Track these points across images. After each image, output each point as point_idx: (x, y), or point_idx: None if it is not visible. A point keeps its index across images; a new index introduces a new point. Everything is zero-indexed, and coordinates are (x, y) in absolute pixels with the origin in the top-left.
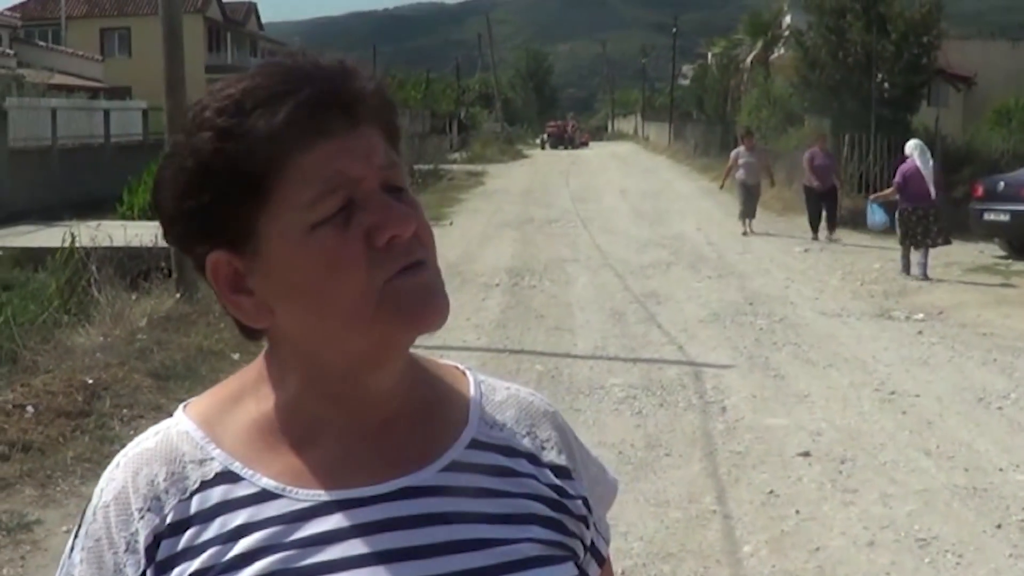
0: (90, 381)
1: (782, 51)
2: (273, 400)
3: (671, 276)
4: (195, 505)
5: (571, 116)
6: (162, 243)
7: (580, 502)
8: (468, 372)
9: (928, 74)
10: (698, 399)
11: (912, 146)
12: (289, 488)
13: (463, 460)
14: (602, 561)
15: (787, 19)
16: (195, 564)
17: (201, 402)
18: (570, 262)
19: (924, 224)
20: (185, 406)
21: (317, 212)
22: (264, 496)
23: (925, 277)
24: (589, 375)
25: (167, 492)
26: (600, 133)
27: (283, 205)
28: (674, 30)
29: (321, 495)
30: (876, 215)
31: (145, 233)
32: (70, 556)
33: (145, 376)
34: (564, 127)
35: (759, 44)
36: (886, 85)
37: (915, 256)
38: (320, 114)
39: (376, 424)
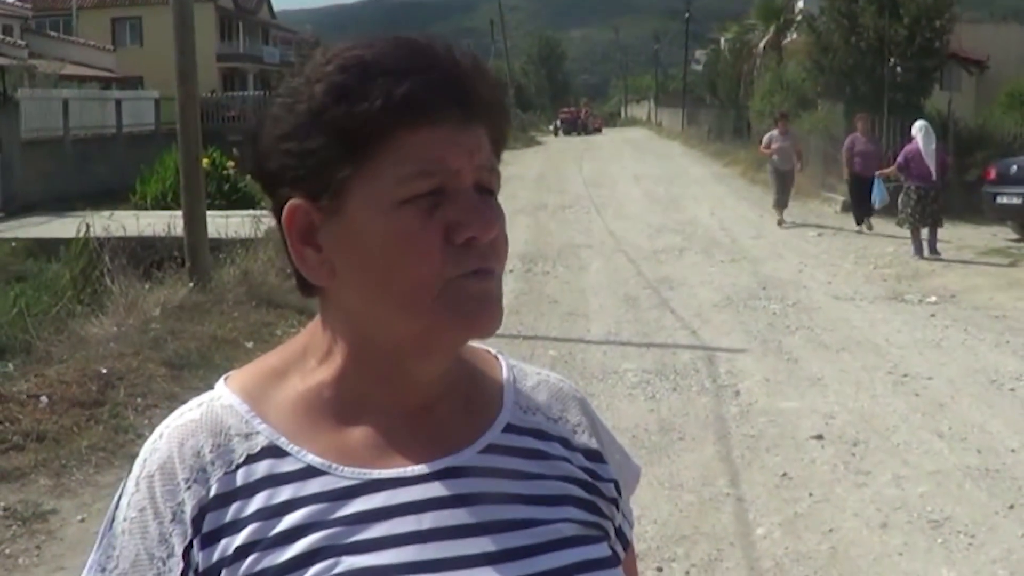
0: (104, 371)
1: (794, 36)
2: (319, 376)
3: (684, 261)
4: (240, 478)
5: (584, 102)
6: (175, 232)
7: (612, 485)
8: (500, 356)
9: (940, 58)
10: (711, 383)
11: (918, 127)
12: (334, 465)
13: (500, 443)
14: (627, 544)
15: (799, 3)
16: (240, 538)
17: (243, 375)
18: (583, 248)
19: (923, 203)
20: (227, 378)
21: (407, 189)
22: (309, 472)
23: (935, 254)
24: (603, 360)
25: (213, 464)
26: (613, 119)
27: (378, 173)
28: (687, 15)
29: (366, 473)
30: (880, 192)
31: (158, 222)
32: (110, 528)
33: (159, 365)
34: (577, 113)
35: (771, 29)
36: (899, 69)
37: (923, 235)
38: (438, 99)
39: (417, 406)
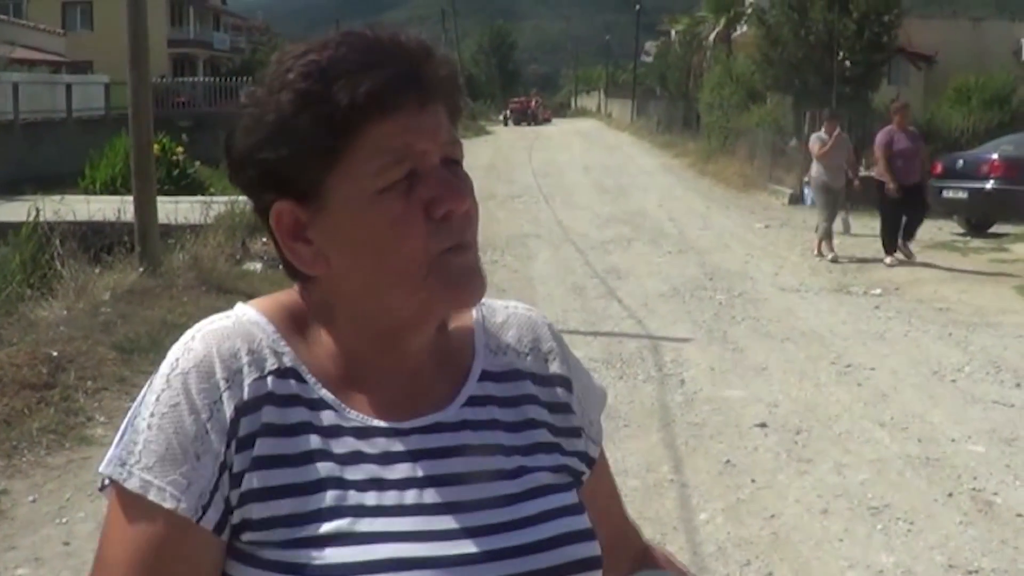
0: (54, 354)
1: (744, 29)
2: (322, 344)
3: (632, 251)
4: (272, 386)
5: (534, 92)
6: (125, 217)
7: (573, 416)
8: None
9: (889, 52)
10: (657, 372)
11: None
12: (342, 405)
13: (478, 393)
14: (591, 462)
15: None
16: (270, 445)
17: (262, 303)
18: (532, 237)
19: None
20: (246, 303)
21: (383, 179)
22: (322, 404)
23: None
24: None
25: (248, 368)
26: (563, 110)
27: (352, 169)
28: (637, 7)
29: (368, 419)
30: None
31: (108, 207)
32: (133, 424)
33: (109, 349)
34: (527, 103)
35: (722, 21)
36: (847, 63)
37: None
38: (397, 91)
39: (410, 372)
